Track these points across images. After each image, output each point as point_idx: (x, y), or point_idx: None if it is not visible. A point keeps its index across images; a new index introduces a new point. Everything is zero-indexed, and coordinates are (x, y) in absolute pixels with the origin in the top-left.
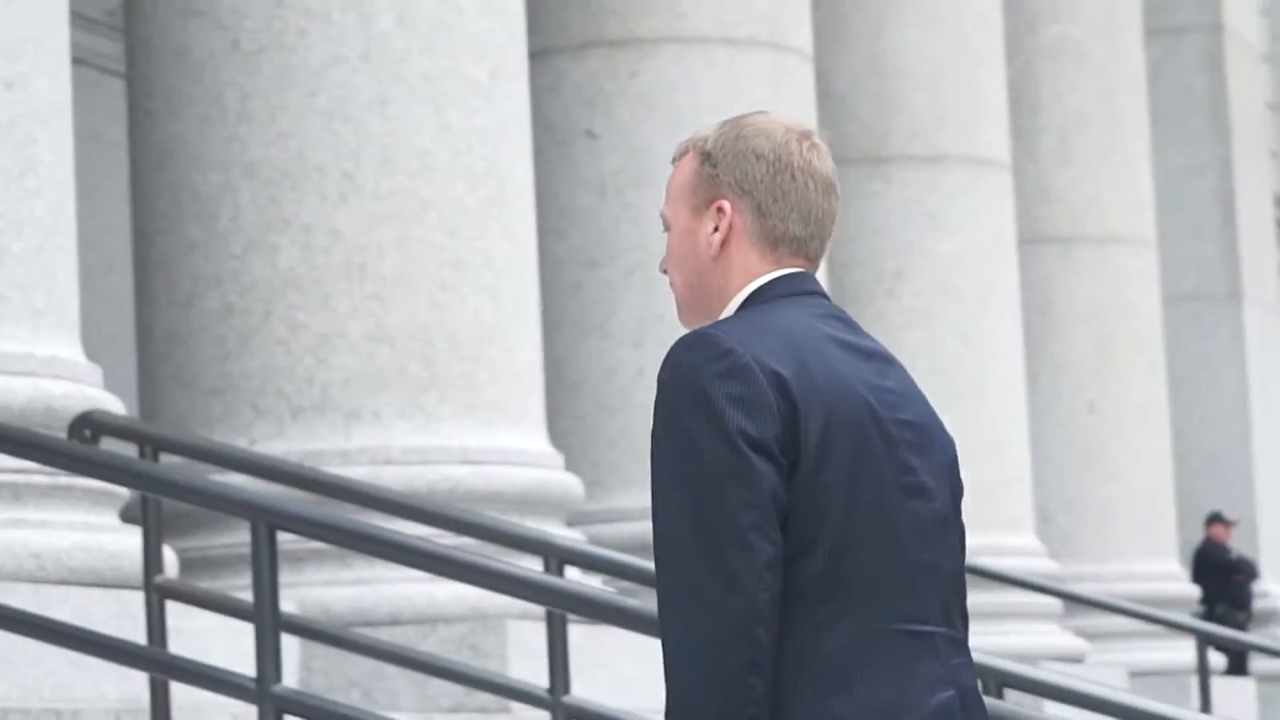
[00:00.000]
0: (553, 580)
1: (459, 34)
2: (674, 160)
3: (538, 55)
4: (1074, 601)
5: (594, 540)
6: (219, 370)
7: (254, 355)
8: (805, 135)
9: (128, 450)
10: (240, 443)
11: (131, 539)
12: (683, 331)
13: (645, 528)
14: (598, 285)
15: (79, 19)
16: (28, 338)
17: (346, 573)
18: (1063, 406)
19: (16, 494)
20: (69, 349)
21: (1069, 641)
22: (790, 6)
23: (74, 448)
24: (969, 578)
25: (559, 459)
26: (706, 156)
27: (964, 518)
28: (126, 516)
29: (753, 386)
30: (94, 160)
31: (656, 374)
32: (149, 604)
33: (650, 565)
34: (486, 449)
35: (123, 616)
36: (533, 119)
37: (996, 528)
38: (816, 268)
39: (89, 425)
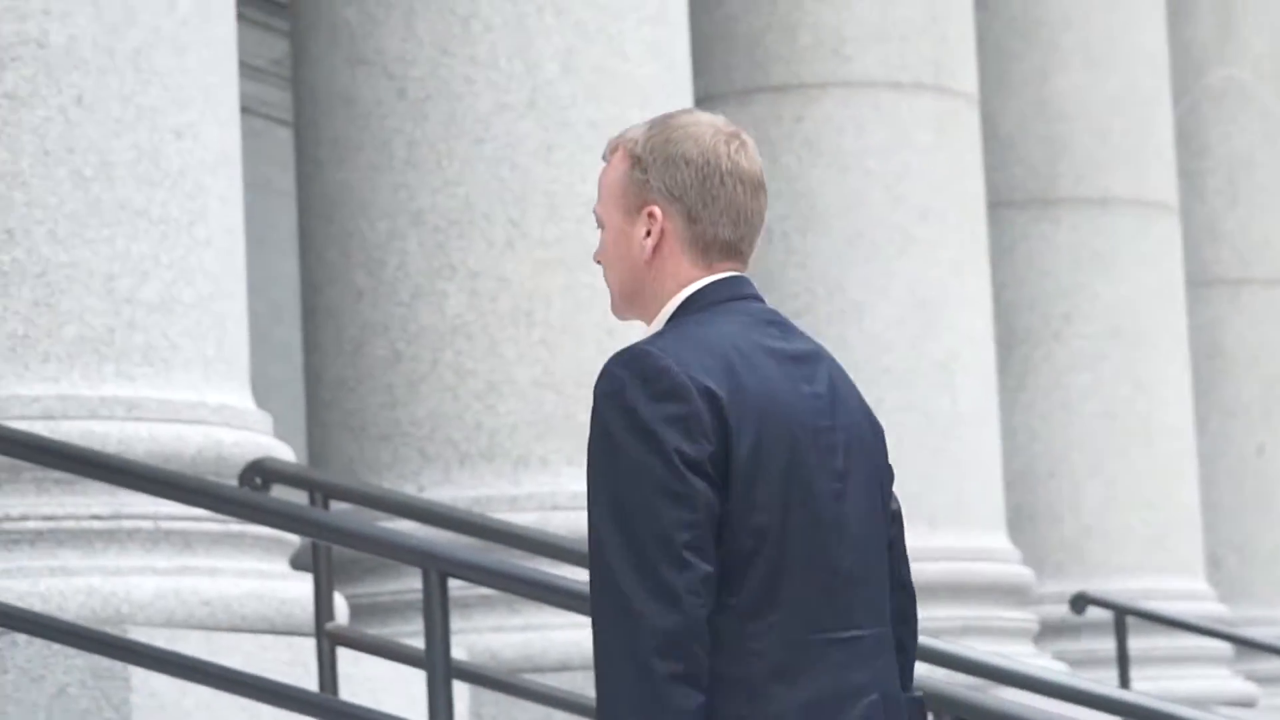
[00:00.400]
0: None
1: (624, 81)
2: (604, 157)
3: (703, 101)
4: (1244, 646)
5: None
6: (387, 417)
7: (422, 402)
8: (733, 135)
9: (298, 497)
10: (408, 489)
11: (302, 586)
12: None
13: None
14: None
15: (246, 68)
16: (199, 386)
17: (515, 619)
18: (1232, 450)
19: (188, 541)
20: (239, 397)
21: (1240, 686)
22: (955, 50)
23: (245, 495)
24: (1136, 620)
25: None
26: (636, 160)
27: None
28: (297, 563)
29: (689, 406)
30: (262, 208)
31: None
32: (320, 651)
33: None
34: None
35: (294, 663)
36: None
37: (1166, 572)
38: (747, 266)
39: (259, 472)
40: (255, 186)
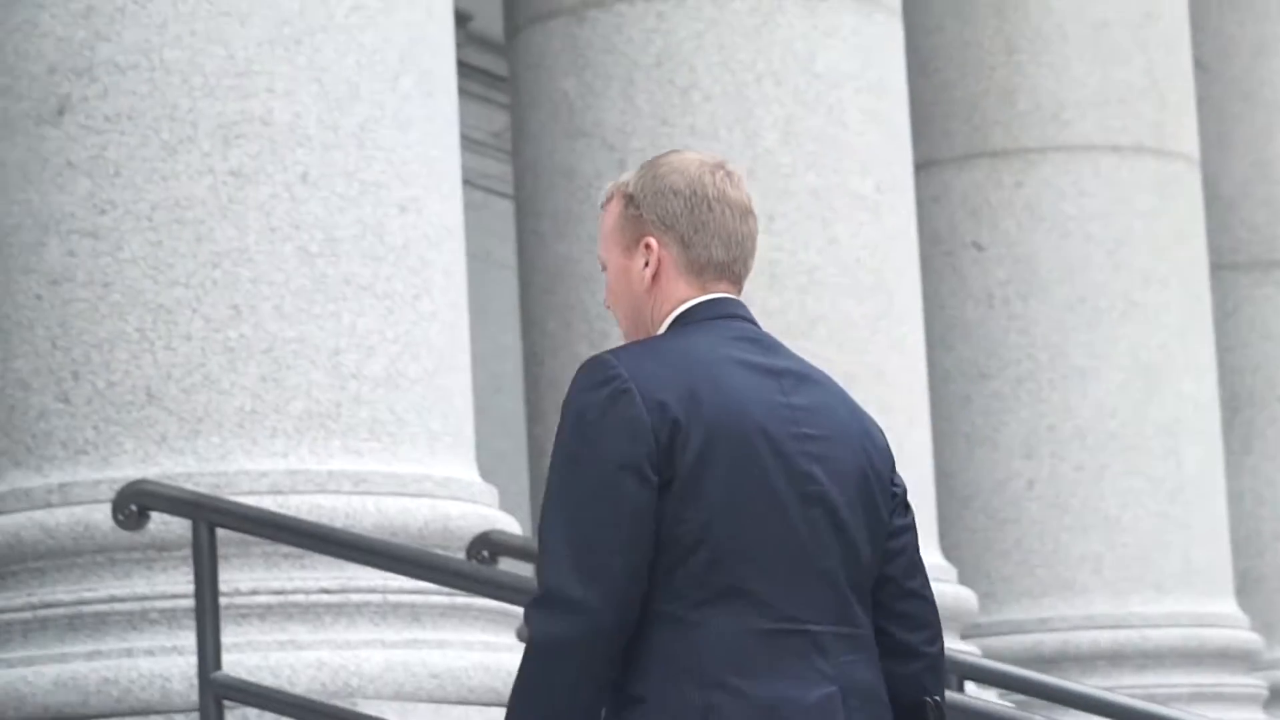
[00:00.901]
0: (953, 696)
1: (844, 148)
2: (601, 205)
3: (923, 167)
4: None
5: (988, 653)
6: None
7: None
8: (718, 166)
9: (523, 569)
10: None
11: None
12: None
13: (1039, 640)
14: (987, 397)
15: (466, 141)
16: (424, 459)
17: None
18: None
19: (416, 614)
20: (465, 470)
21: None
22: (1176, 113)
23: (472, 568)
24: None
25: (952, 572)
26: (630, 199)
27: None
28: (523, 635)
29: (630, 411)
30: (482, 281)
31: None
32: None
33: (1048, 679)
34: None
35: None
36: (919, 231)
37: None
38: (741, 287)
39: (486, 545)
40: (476, 259)
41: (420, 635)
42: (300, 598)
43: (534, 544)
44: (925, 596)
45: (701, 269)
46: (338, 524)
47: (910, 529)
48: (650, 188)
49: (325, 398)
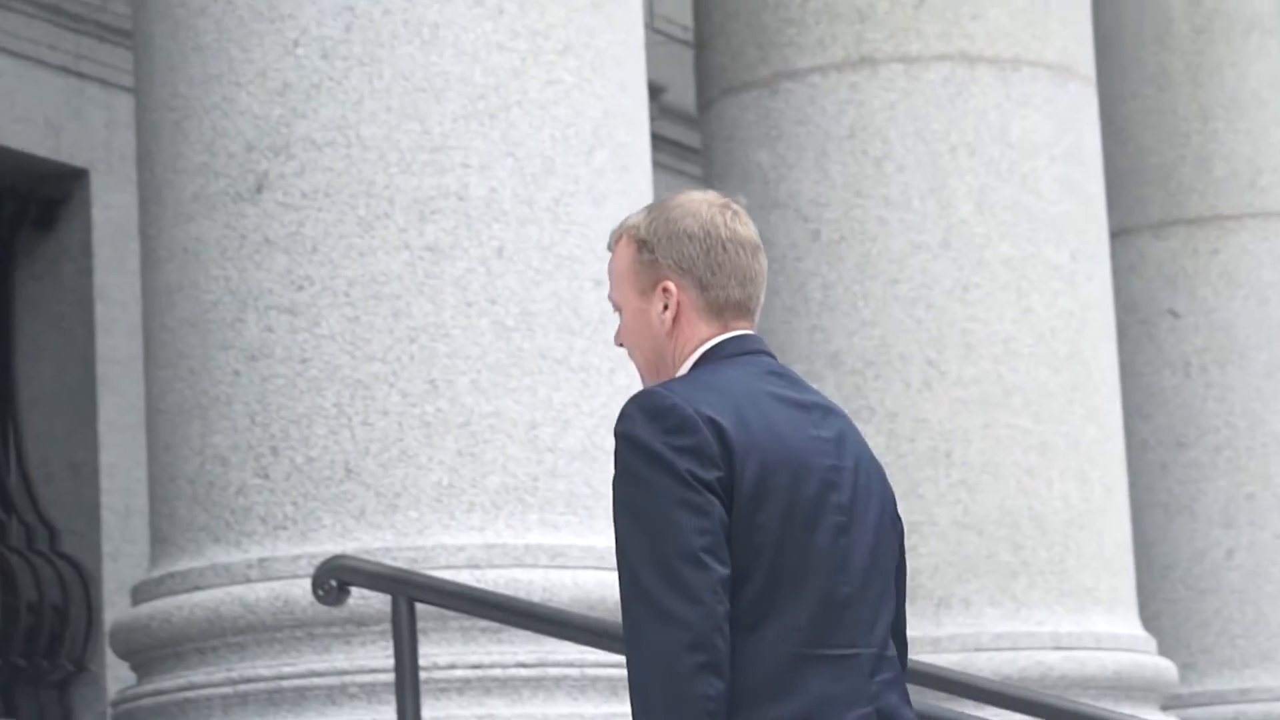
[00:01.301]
0: None
1: (1039, 217)
2: (609, 248)
3: (1118, 235)
4: None
5: None
6: None
7: None
8: (725, 206)
9: None
10: None
11: None
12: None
13: (1240, 710)
14: (1185, 465)
15: None
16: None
17: None
18: None
19: (613, 688)
20: None
21: None
22: None
23: None
24: None
25: (1152, 643)
26: (643, 244)
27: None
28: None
29: (697, 436)
30: None
31: (615, 430)
32: None
33: None
34: (1077, 634)
35: None
36: (1114, 299)
37: None
38: (755, 323)
39: None
40: None
41: (619, 709)
42: (498, 672)
43: None
44: (903, 634)
45: (720, 309)
46: (535, 598)
47: (904, 567)
48: (664, 231)
49: (522, 471)
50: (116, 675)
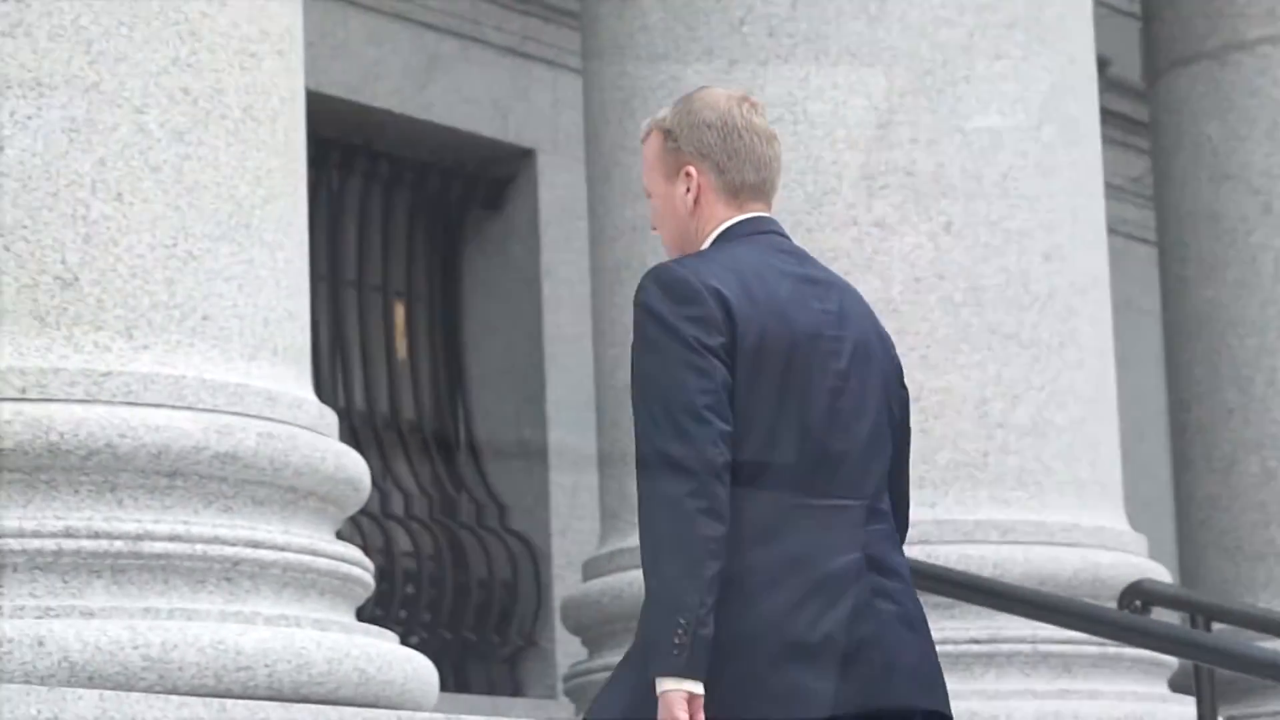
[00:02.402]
0: None
1: None
2: (642, 140)
3: None
4: None
5: None
6: (1261, 536)
7: None
8: (743, 99)
9: (1174, 618)
10: None
11: (1182, 708)
12: None
13: None
14: None
15: (1105, 187)
16: (1072, 508)
17: None
18: None
19: (1066, 664)
20: (1114, 518)
21: None
22: None
23: (1126, 618)
24: None
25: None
26: (668, 134)
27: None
28: (1175, 685)
29: (703, 307)
30: (1123, 328)
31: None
32: None
33: None
34: None
35: None
36: None
37: None
38: (771, 205)
39: (1139, 595)
40: (1116, 305)
41: (1071, 685)
42: (950, 648)
43: (1188, 594)
44: (904, 493)
45: (737, 191)
46: (985, 573)
47: (907, 427)
48: (686, 122)
49: (972, 447)
50: (566, 650)
